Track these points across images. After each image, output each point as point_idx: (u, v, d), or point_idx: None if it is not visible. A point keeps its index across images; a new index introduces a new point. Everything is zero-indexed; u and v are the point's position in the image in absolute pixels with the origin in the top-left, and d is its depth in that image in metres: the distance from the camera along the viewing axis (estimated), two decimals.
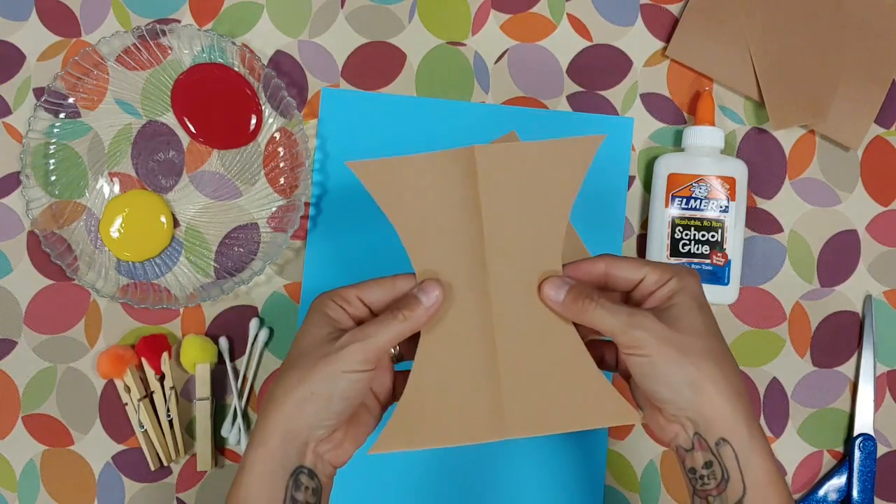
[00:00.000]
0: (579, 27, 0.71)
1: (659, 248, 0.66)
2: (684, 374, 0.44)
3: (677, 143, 0.70)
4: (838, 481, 0.67)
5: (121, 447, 0.68)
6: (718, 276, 0.66)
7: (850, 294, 0.69)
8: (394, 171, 0.48)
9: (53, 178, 0.69)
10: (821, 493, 0.67)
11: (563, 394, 0.47)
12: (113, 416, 0.68)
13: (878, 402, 0.69)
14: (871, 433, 0.67)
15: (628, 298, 0.49)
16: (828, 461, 0.68)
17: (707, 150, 0.67)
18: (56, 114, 0.69)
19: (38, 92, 0.70)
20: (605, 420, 0.47)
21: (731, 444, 0.44)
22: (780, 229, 0.70)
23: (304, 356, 0.46)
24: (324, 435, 0.46)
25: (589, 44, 0.71)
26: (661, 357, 0.44)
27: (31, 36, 0.71)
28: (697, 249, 0.66)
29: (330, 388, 0.45)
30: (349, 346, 0.45)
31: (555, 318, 0.48)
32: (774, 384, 0.69)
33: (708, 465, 0.45)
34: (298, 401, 0.45)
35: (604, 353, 0.52)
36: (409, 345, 0.50)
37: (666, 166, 0.67)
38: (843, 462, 0.68)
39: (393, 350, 0.51)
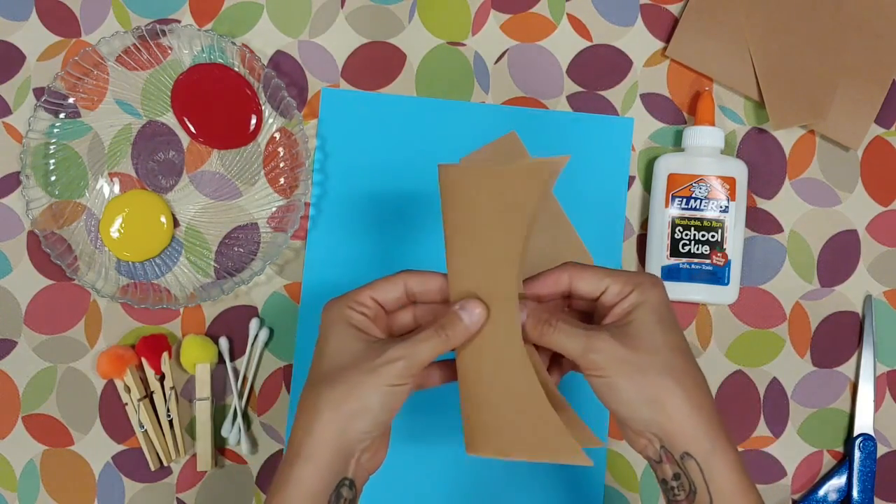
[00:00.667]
0: (579, 27, 0.71)
1: (659, 248, 0.66)
2: (643, 392, 0.45)
3: (677, 143, 0.70)
4: (838, 481, 0.67)
5: (121, 447, 0.68)
6: (718, 276, 0.66)
7: (850, 294, 0.69)
8: (469, 178, 0.47)
9: (53, 178, 0.69)
10: (821, 493, 0.67)
11: (520, 425, 0.47)
12: (113, 416, 0.68)
13: (878, 402, 0.69)
14: (871, 433, 0.67)
15: (594, 309, 0.49)
16: (828, 461, 0.68)
17: (707, 150, 0.67)
18: (56, 114, 0.69)
19: (38, 92, 0.70)
20: (554, 458, 0.46)
21: (695, 458, 0.45)
22: (780, 229, 0.70)
23: (347, 370, 0.46)
24: (369, 446, 0.47)
25: (589, 44, 0.71)
26: (620, 377, 0.45)
27: (31, 36, 0.71)
28: (697, 249, 0.66)
29: (380, 402, 0.45)
30: (396, 362, 0.45)
31: (511, 348, 0.47)
32: (774, 384, 0.69)
33: (676, 476, 0.46)
34: (349, 416, 0.45)
35: None
36: None
37: (666, 166, 0.67)
38: (843, 462, 0.68)
39: None
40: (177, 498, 0.68)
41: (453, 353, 0.49)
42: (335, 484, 0.46)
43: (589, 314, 0.51)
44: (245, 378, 0.68)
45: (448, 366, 0.51)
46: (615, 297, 0.47)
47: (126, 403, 0.67)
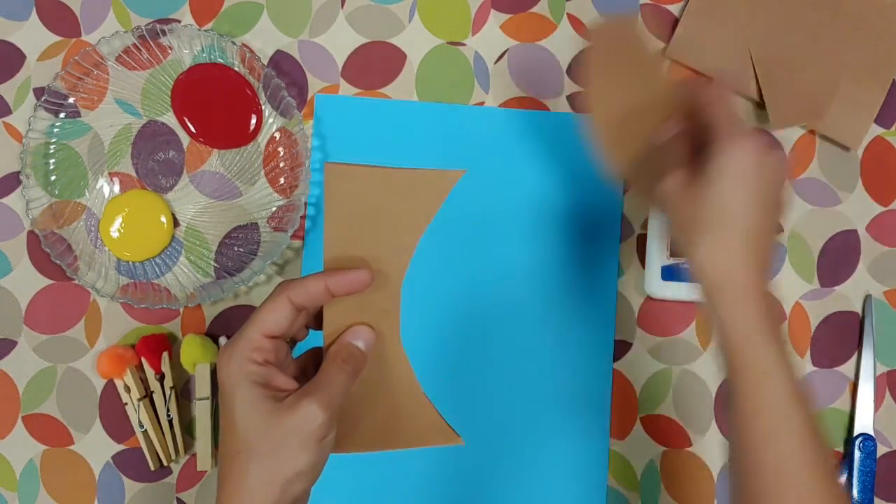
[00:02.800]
0: (579, 27, 0.71)
1: (659, 248, 0.66)
2: (680, 235, 0.50)
3: None
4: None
5: (121, 447, 0.68)
6: None
7: (850, 294, 0.69)
8: (359, 178, 0.46)
9: (53, 177, 0.69)
10: None
11: (401, 419, 0.48)
12: (113, 416, 0.68)
13: (878, 402, 0.69)
14: (871, 433, 0.67)
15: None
16: None
17: None
18: (56, 114, 0.69)
19: (39, 92, 0.70)
20: (433, 442, 0.49)
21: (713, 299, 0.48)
22: (780, 229, 0.70)
23: (268, 437, 0.42)
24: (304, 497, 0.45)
25: (589, 44, 0.71)
26: (668, 212, 0.51)
27: (31, 36, 0.71)
28: None
29: (312, 461, 0.43)
30: (316, 416, 0.43)
31: (395, 353, 0.48)
32: None
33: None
34: (283, 485, 0.42)
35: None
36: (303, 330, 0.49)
37: None
38: (843, 462, 0.68)
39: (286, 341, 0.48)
40: (177, 498, 0.68)
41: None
42: None
43: None
44: None
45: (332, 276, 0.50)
46: (713, 136, 0.49)
47: (126, 403, 0.67)
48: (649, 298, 0.69)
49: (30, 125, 0.67)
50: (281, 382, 0.44)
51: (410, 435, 0.49)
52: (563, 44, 0.71)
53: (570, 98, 0.70)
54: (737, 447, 0.47)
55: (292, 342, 0.48)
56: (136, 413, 0.67)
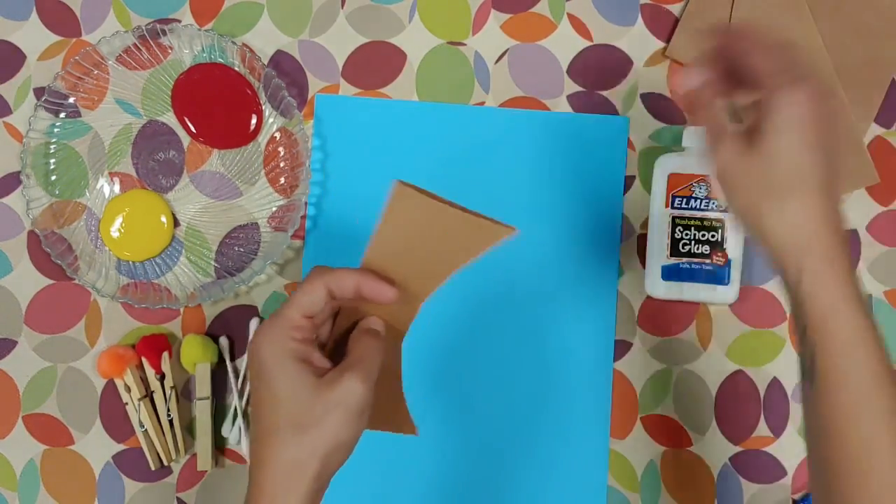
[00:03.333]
0: (579, 27, 0.71)
1: (659, 248, 0.66)
2: (743, 209, 0.46)
3: (677, 143, 0.70)
4: None
5: (121, 447, 0.68)
6: (719, 276, 0.66)
7: None
8: (422, 209, 0.46)
9: (54, 177, 0.69)
10: None
11: (383, 405, 0.48)
12: (113, 416, 0.68)
13: None
14: None
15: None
16: None
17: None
18: (56, 113, 0.69)
19: (39, 92, 0.70)
20: (398, 430, 0.51)
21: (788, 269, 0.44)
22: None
23: (311, 411, 0.43)
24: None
25: (589, 44, 0.71)
26: (727, 190, 0.46)
27: (32, 36, 0.71)
28: (698, 249, 0.66)
29: (353, 433, 0.44)
30: (356, 390, 0.44)
31: (395, 348, 0.49)
32: (774, 384, 0.69)
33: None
34: (325, 456, 0.43)
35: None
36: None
37: (666, 166, 0.67)
38: None
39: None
40: (177, 497, 0.68)
41: None
42: None
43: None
44: (245, 378, 0.68)
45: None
46: (764, 89, 0.45)
47: (126, 403, 0.67)
48: (649, 298, 0.69)
49: (30, 125, 0.67)
50: (318, 360, 0.46)
51: (386, 421, 0.50)
52: (563, 44, 0.71)
53: (570, 98, 0.70)
54: (816, 423, 0.45)
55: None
56: (137, 413, 0.67)
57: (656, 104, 0.70)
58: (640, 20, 0.71)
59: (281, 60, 0.71)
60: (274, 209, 0.69)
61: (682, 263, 0.66)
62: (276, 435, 0.44)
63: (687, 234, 0.66)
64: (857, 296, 0.44)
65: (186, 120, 0.69)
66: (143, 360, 0.67)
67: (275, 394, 0.44)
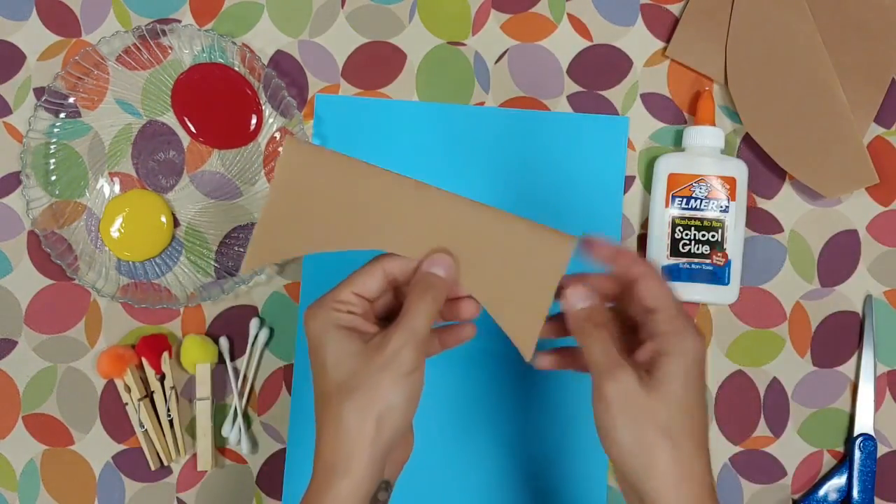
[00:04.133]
0: (579, 27, 0.71)
1: (659, 248, 0.66)
2: (637, 443, 0.44)
3: (677, 143, 0.70)
4: (838, 481, 0.67)
5: (121, 447, 0.68)
6: (718, 276, 0.66)
7: (850, 294, 0.69)
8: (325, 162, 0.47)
9: (54, 177, 0.69)
10: (821, 493, 0.67)
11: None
12: (113, 416, 0.68)
13: (878, 402, 0.69)
14: (872, 433, 0.67)
15: (644, 320, 0.48)
16: (828, 461, 0.68)
17: (707, 150, 0.67)
18: (56, 113, 0.69)
19: (39, 92, 0.70)
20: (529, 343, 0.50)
21: None
22: (780, 229, 0.70)
23: (358, 375, 0.44)
24: (401, 441, 0.46)
25: (589, 44, 0.71)
26: (621, 415, 0.44)
27: (32, 36, 0.71)
28: (697, 249, 0.66)
29: (403, 396, 0.44)
30: (403, 349, 0.44)
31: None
32: (774, 384, 0.69)
33: None
34: (376, 420, 0.43)
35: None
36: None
37: (666, 166, 0.67)
38: (844, 462, 0.68)
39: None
40: (177, 498, 0.68)
41: None
42: (375, 491, 0.44)
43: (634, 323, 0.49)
44: (245, 378, 0.68)
45: (443, 331, 0.52)
46: (658, 329, 0.46)
47: (126, 403, 0.67)
48: None
49: (30, 125, 0.67)
50: (367, 328, 0.46)
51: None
52: (563, 44, 0.71)
53: (570, 98, 0.70)
54: None
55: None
56: (137, 413, 0.67)
57: (656, 104, 0.70)
58: (640, 20, 0.71)
59: (281, 60, 0.71)
60: None
61: (682, 264, 0.66)
62: (329, 404, 0.44)
63: (687, 235, 0.66)
64: None
65: (186, 120, 0.69)
66: (143, 360, 0.67)
67: (322, 362, 0.45)
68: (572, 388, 0.68)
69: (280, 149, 0.47)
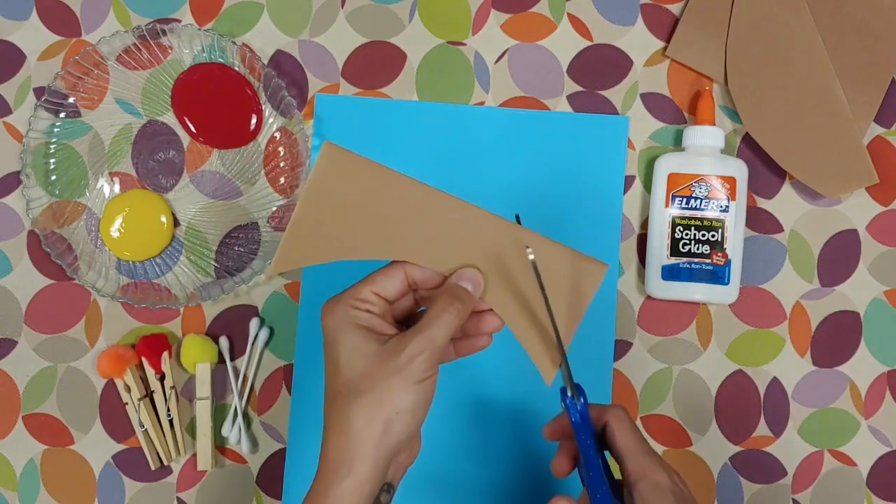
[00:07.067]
0: (579, 27, 0.71)
1: (659, 248, 0.66)
2: None
3: (677, 143, 0.70)
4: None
5: (121, 447, 0.68)
6: (718, 275, 0.66)
7: (850, 294, 0.69)
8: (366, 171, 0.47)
9: (54, 177, 0.69)
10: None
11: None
12: (113, 416, 0.68)
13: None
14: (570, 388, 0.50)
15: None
16: (828, 461, 0.68)
17: (707, 150, 0.67)
18: (56, 113, 0.69)
19: (39, 91, 0.70)
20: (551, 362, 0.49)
21: None
22: (780, 229, 0.70)
23: (371, 376, 0.44)
24: (407, 446, 0.45)
25: (589, 44, 0.71)
26: None
27: (32, 35, 0.71)
28: (697, 249, 0.66)
29: (413, 402, 0.44)
30: (419, 356, 0.44)
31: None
32: (774, 384, 0.69)
33: None
34: (384, 423, 0.43)
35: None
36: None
37: (666, 166, 0.67)
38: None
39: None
40: (177, 497, 0.68)
41: None
42: (377, 493, 0.44)
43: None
44: (245, 377, 0.68)
45: (460, 339, 0.51)
46: (630, 477, 0.46)
47: (126, 403, 0.67)
48: (649, 298, 0.69)
49: (30, 125, 0.67)
50: (385, 329, 0.46)
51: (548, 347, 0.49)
52: (563, 44, 0.71)
53: (570, 98, 0.70)
54: None
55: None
56: (137, 413, 0.67)
57: (656, 104, 0.70)
58: (640, 20, 0.71)
59: (281, 60, 0.71)
60: (274, 209, 0.69)
61: (682, 263, 0.66)
62: (336, 401, 0.44)
63: (687, 234, 0.66)
64: None
65: (186, 120, 0.69)
66: (143, 360, 0.67)
67: (335, 360, 0.45)
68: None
69: (315, 154, 0.46)
